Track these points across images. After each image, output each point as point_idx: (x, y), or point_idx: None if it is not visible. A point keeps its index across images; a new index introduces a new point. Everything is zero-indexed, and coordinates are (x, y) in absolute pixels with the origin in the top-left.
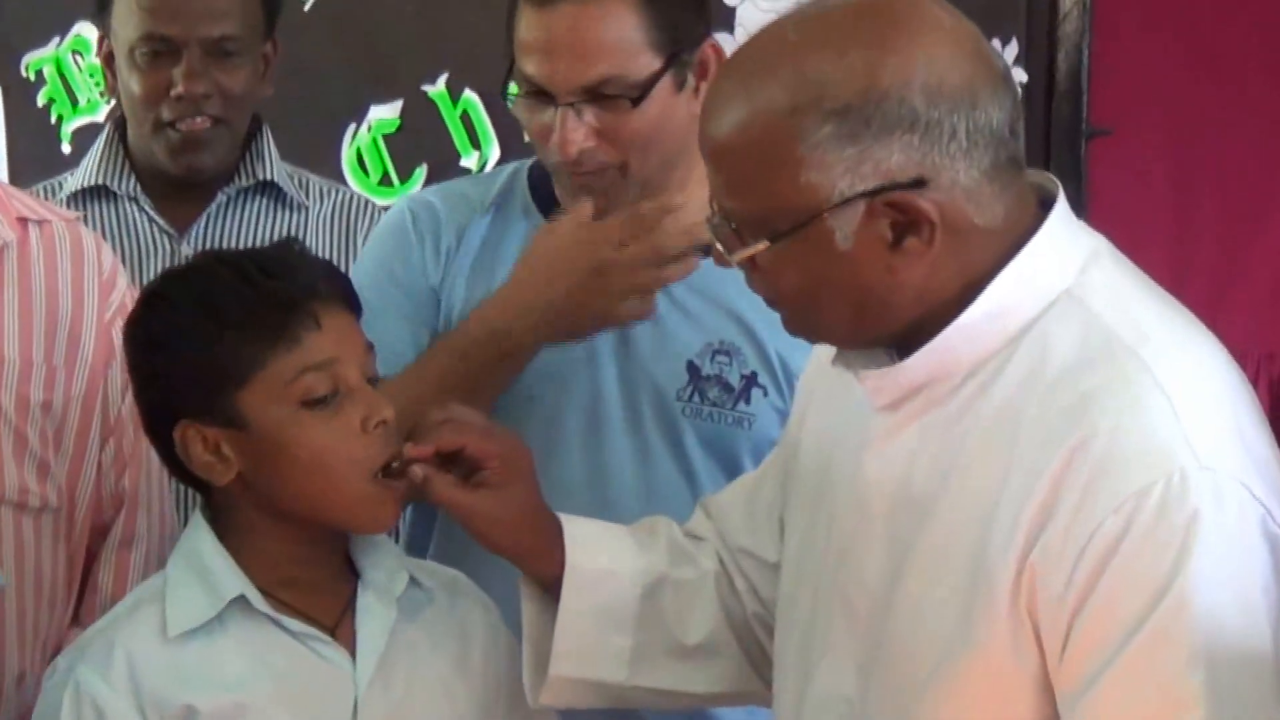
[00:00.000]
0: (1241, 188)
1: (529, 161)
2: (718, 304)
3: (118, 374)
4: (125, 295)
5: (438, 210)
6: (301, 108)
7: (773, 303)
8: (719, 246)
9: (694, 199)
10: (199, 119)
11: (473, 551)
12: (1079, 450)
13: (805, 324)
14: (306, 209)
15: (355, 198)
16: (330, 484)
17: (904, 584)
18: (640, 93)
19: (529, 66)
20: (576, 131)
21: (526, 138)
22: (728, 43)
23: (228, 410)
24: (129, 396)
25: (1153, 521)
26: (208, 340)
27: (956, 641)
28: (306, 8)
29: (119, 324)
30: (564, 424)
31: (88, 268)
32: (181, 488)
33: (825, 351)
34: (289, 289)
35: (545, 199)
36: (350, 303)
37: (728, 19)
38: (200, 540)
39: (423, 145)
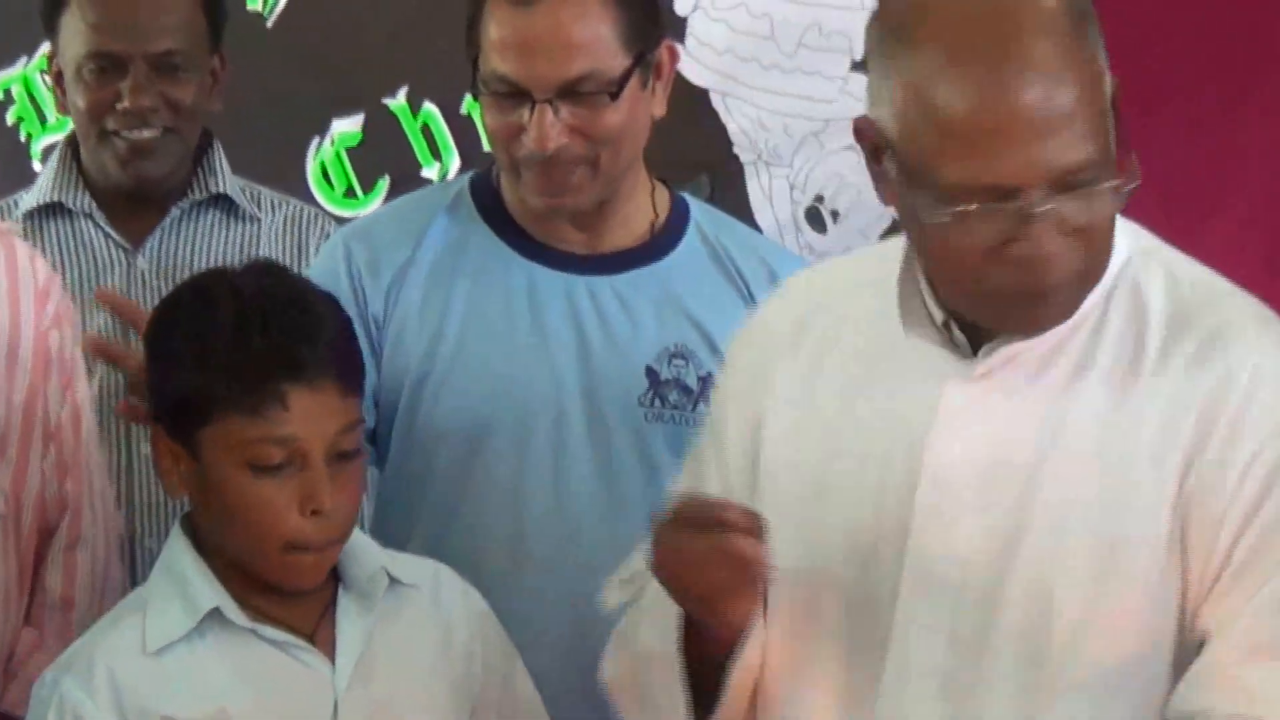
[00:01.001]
0: (1183, 196)
1: (475, 172)
2: (669, 307)
3: (56, 382)
4: (60, 305)
5: (378, 233)
6: (265, 123)
7: (1087, 255)
8: (1099, 213)
9: (640, 208)
10: (145, 131)
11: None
12: (1224, 384)
13: (1097, 272)
14: (259, 221)
15: (306, 210)
16: (249, 545)
17: (1022, 545)
18: (617, 88)
19: (503, 65)
20: (554, 127)
21: (487, 145)
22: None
23: (189, 438)
24: (68, 403)
25: None
26: (187, 370)
27: (1094, 591)
28: (269, 25)
29: (55, 334)
30: (531, 441)
31: (22, 279)
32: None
33: (746, 362)
34: (271, 360)
35: (488, 208)
36: (342, 378)
37: (679, 28)
38: (178, 552)
39: (385, 158)
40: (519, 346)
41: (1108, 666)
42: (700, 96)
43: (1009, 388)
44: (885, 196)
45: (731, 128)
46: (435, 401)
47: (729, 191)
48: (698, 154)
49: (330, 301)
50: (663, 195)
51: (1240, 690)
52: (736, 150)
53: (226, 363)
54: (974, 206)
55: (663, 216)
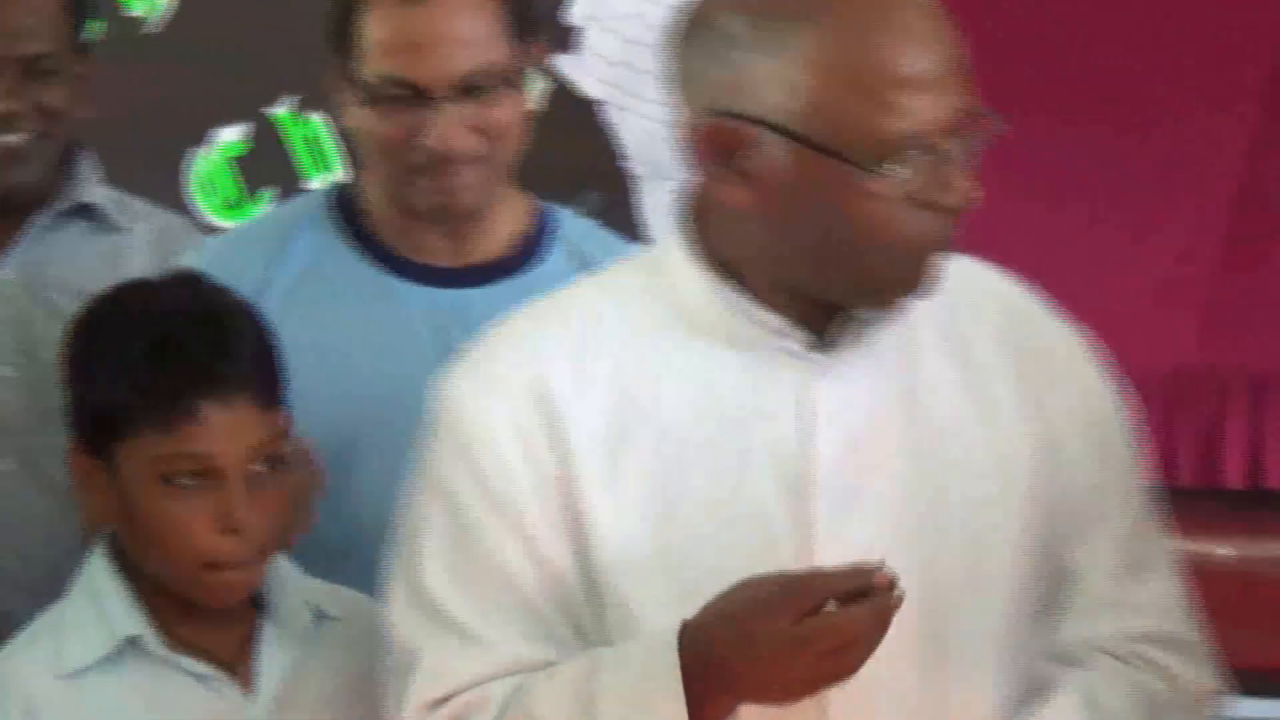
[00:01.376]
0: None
1: (333, 186)
2: None
3: None
4: None
5: (233, 254)
6: (148, 131)
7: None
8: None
9: (506, 217)
10: (13, 136)
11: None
12: (1031, 344)
13: None
14: (127, 231)
15: (177, 221)
16: (167, 563)
17: (931, 533)
18: (513, 80)
19: (395, 66)
20: (457, 125)
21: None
22: (573, 63)
23: (105, 453)
24: None
25: (1105, 379)
26: (103, 384)
27: (997, 562)
28: (149, 31)
29: None
30: (400, 456)
31: None
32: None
33: (521, 421)
34: (185, 376)
35: (349, 224)
36: (260, 392)
37: (574, 39)
38: (98, 572)
39: (269, 168)
40: (383, 363)
41: (1016, 635)
42: (593, 109)
43: (862, 377)
44: (738, 197)
45: (625, 140)
46: (298, 420)
47: (623, 205)
48: (591, 166)
49: (249, 314)
50: (527, 205)
51: (1124, 608)
52: (630, 163)
53: (141, 377)
54: (919, 155)
55: (528, 227)
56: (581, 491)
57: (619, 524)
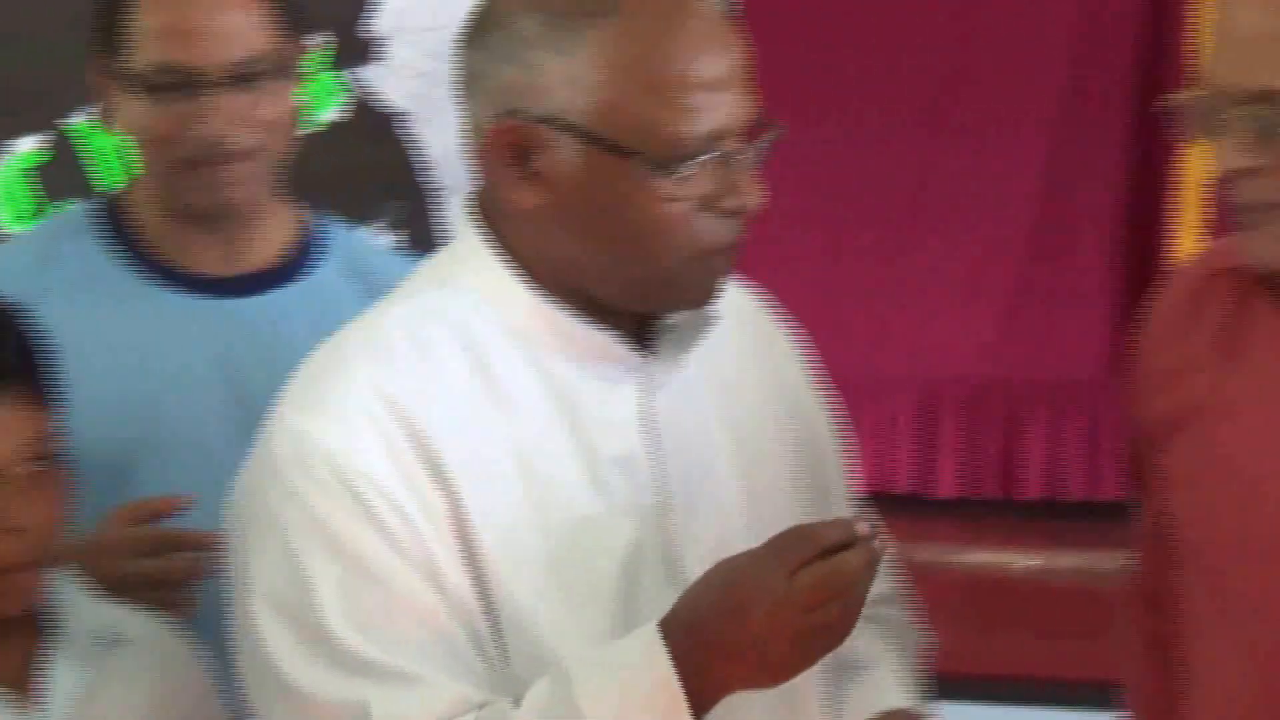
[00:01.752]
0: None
1: (100, 196)
2: (324, 323)
3: None
4: None
5: (1, 264)
6: None
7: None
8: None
9: (275, 225)
10: None
11: None
12: (777, 345)
13: None
14: None
15: None
16: None
17: (751, 502)
18: (286, 72)
19: (169, 52)
20: (229, 114)
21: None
22: (377, 75)
23: None
24: None
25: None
26: None
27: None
28: None
29: None
30: (177, 468)
31: None
32: None
33: (394, 450)
34: None
35: (117, 235)
36: (25, 387)
37: (379, 49)
38: None
39: (72, 178)
40: (154, 373)
41: None
42: (394, 121)
43: (685, 384)
44: (529, 200)
45: (430, 152)
46: (70, 438)
47: (424, 216)
48: (393, 178)
49: (13, 313)
50: (296, 215)
51: None
52: (435, 175)
53: None
54: (711, 157)
55: (298, 237)
56: (468, 517)
57: (503, 541)
